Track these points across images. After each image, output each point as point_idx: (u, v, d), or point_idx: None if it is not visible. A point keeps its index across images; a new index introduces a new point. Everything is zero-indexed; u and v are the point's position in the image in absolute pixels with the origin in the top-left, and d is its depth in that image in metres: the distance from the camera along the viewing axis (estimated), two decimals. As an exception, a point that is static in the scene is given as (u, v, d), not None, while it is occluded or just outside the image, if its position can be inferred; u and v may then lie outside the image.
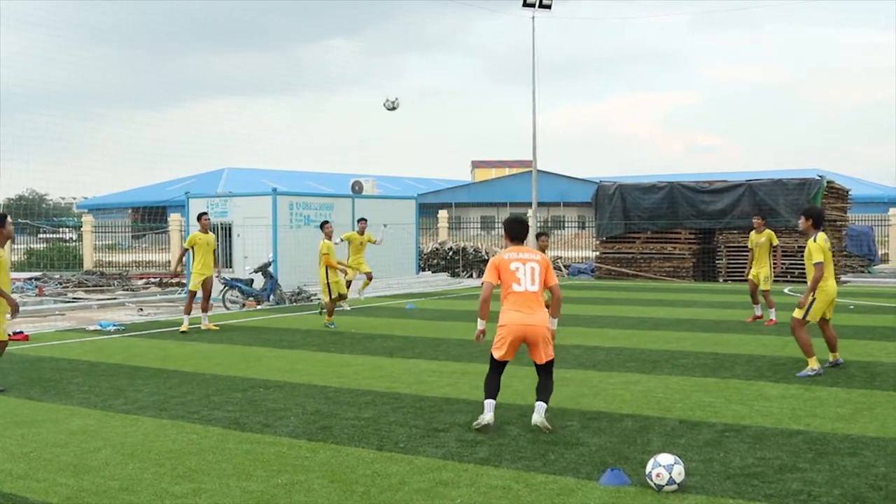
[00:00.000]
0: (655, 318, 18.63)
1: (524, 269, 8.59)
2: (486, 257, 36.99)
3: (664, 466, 6.40)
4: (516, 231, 8.93)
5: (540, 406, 8.47)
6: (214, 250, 17.98)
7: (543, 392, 8.60)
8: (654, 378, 11.24)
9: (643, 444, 7.81)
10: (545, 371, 8.67)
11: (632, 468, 6.94)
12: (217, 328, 17.41)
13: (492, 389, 8.64)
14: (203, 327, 17.33)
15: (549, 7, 40.15)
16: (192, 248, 17.63)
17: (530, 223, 37.24)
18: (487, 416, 8.53)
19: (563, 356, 13.00)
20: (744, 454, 7.42)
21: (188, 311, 17.32)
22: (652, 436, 8.15)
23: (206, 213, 18.37)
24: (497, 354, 8.61)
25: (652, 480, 6.40)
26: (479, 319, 8.63)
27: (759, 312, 17.63)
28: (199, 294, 17.79)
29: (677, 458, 6.57)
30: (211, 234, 17.97)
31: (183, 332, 16.81)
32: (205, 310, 17.65)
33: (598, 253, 35.44)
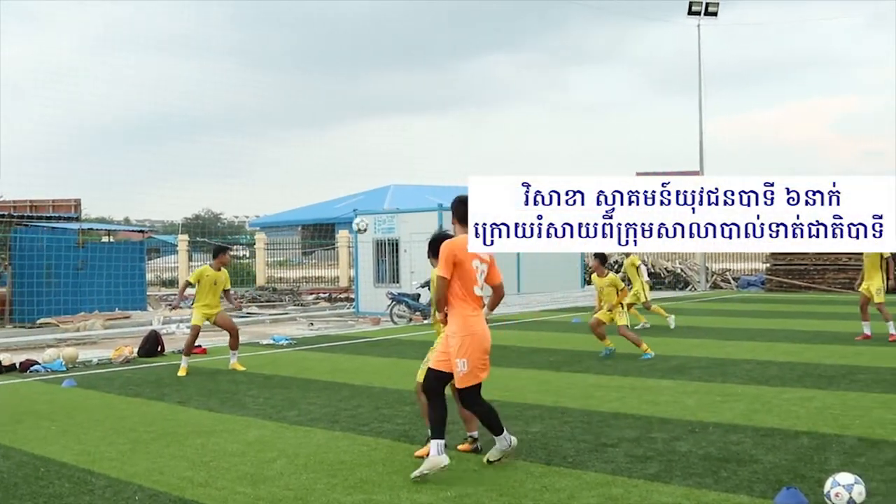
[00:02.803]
0: (831, 331, 17.95)
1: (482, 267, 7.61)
2: (653, 270, 36.39)
3: (844, 486, 6.16)
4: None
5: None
6: (228, 290, 15.09)
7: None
8: (830, 394, 10.81)
9: (820, 463, 7.53)
10: None
11: (808, 487, 6.69)
12: (244, 369, 14.58)
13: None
14: (230, 366, 14.72)
15: (715, 14, 39.40)
16: (198, 283, 14.61)
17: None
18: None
19: (734, 371, 12.71)
20: (930, 475, 7.06)
21: (187, 351, 14.63)
22: (829, 454, 7.84)
23: (227, 250, 15.82)
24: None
25: (831, 500, 6.16)
26: None
27: (867, 332, 16.47)
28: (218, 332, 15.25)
29: (857, 477, 6.30)
30: (224, 271, 14.93)
31: (181, 375, 14.09)
32: (233, 347, 14.92)
33: (768, 265, 34.44)
